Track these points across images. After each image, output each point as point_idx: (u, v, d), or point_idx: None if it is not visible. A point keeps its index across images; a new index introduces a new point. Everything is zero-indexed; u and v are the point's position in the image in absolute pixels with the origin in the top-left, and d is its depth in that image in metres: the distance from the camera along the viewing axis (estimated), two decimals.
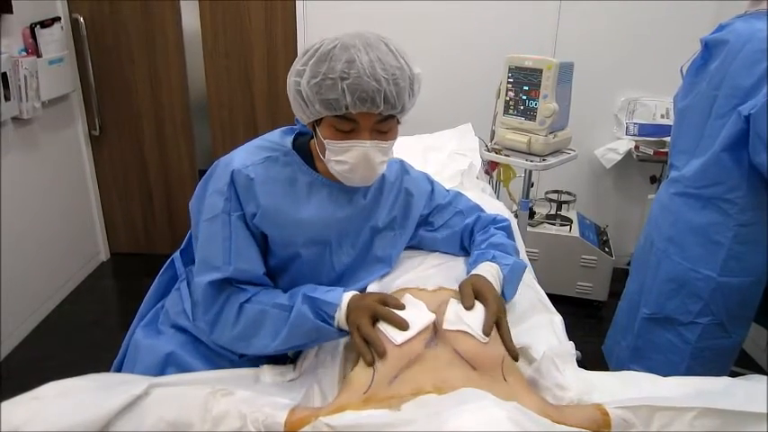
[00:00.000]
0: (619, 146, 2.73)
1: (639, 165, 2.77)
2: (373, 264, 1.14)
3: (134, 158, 2.99)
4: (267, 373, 0.96)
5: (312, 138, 1.05)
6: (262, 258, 1.02)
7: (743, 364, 2.02)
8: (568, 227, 2.61)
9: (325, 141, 0.96)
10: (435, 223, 1.23)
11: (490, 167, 2.26)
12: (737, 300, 1.47)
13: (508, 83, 2.02)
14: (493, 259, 1.07)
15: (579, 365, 0.96)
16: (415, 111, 1.01)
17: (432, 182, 1.25)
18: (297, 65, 0.95)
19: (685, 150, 1.52)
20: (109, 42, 2.78)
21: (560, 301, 2.15)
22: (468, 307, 0.91)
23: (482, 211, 1.26)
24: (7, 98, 2.19)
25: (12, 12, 2.20)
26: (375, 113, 0.92)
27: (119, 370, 1.11)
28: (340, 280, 1.10)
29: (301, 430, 0.74)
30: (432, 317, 0.89)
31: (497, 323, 0.91)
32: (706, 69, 1.44)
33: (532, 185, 2.28)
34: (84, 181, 2.92)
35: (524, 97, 1.98)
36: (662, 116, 2.68)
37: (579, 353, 1.03)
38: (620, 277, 2.64)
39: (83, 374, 0.86)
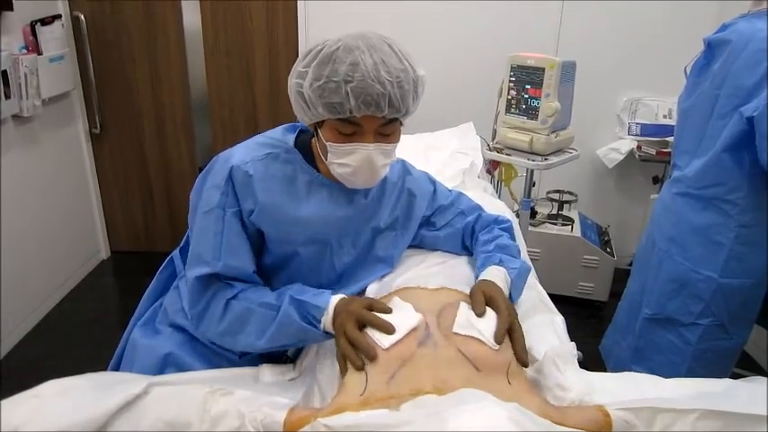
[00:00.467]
0: (621, 146, 2.72)
1: (642, 165, 2.76)
2: (374, 264, 1.14)
3: (135, 157, 2.99)
4: (266, 372, 0.96)
5: (314, 136, 1.04)
6: (254, 257, 1.01)
7: (744, 366, 2.01)
8: (570, 227, 2.61)
9: (327, 144, 0.95)
10: (437, 224, 1.22)
11: (492, 167, 2.26)
12: (739, 301, 1.47)
13: (510, 82, 2.01)
14: (500, 263, 1.06)
15: (580, 366, 0.95)
16: (417, 109, 1.01)
17: (434, 182, 1.24)
18: (298, 66, 0.94)
19: (687, 150, 1.52)
20: (110, 40, 2.77)
21: (561, 301, 2.15)
22: (480, 314, 0.90)
23: (483, 210, 1.25)
24: (7, 96, 2.19)
25: (12, 9, 2.19)
26: (379, 117, 0.92)
27: (116, 369, 1.10)
28: (340, 280, 1.10)
29: (300, 430, 0.73)
30: (419, 317, 0.88)
31: (511, 329, 0.90)
32: (709, 69, 1.44)
33: (534, 185, 2.27)
34: (84, 179, 2.92)
35: (526, 96, 1.98)
36: (664, 116, 2.67)
37: (581, 353, 1.03)
38: (621, 278, 2.63)
39: (83, 373, 0.86)
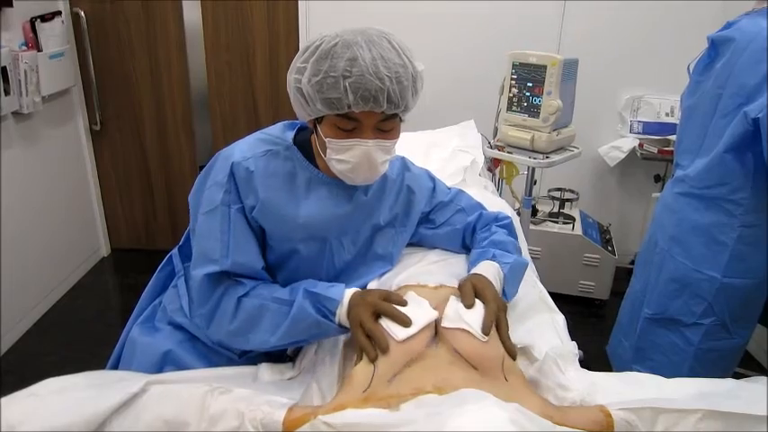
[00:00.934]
0: (623, 144, 2.71)
1: (643, 163, 2.75)
2: (374, 261, 1.13)
3: (135, 154, 2.98)
4: (265, 371, 0.95)
5: (313, 133, 1.04)
6: (260, 253, 1.00)
7: (746, 366, 2.01)
8: (571, 225, 2.60)
9: (326, 140, 0.95)
10: (436, 221, 1.22)
11: (493, 164, 2.25)
12: (741, 301, 1.46)
13: (512, 79, 2.00)
14: (493, 258, 1.06)
15: (581, 365, 0.95)
16: (418, 107, 1.00)
17: (433, 179, 1.24)
18: (297, 62, 0.93)
19: (690, 149, 1.51)
20: (110, 37, 2.77)
21: (562, 300, 2.14)
22: (468, 305, 0.90)
23: (483, 209, 1.25)
24: (7, 92, 2.18)
25: (12, 5, 2.19)
26: (378, 112, 0.91)
27: (115, 367, 1.10)
28: (340, 277, 1.09)
29: (300, 429, 0.73)
30: (435, 314, 0.88)
31: (497, 322, 0.90)
32: (712, 67, 1.43)
33: (535, 183, 2.26)
34: (84, 176, 2.91)
35: (528, 94, 1.97)
36: (667, 114, 2.66)
37: (582, 352, 1.02)
38: (622, 276, 2.63)
39: (83, 370, 0.86)
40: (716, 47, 1.42)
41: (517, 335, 0.95)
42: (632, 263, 1.96)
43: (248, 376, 0.95)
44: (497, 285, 1.00)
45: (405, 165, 1.18)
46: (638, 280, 1.73)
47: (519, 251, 1.16)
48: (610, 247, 2.62)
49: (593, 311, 2.65)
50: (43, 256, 2.54)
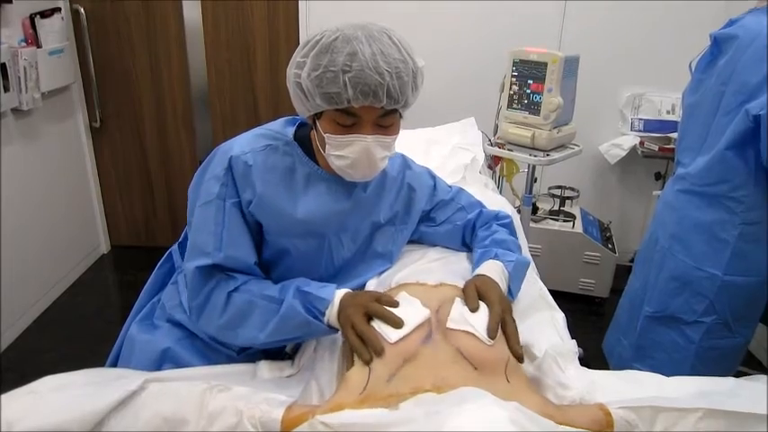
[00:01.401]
0: (623, 141, 2.71)
1: (644, 161, 2.75)
2: (373, 259, 1.13)
3: (135, 150, 2.98)
4: (264, 368, 0.95)
5: (313, 129, 1.03)
6: (254, 248, 1.00)
7: (747, 365, 2.00)
8: (571, 223, 2.60)
9: (325, 135, 0.94)
10: (437, 219, 1.21)
11: (493, 162, 2.24)
12: (743, 299, 1.46)
13: (512, 76, 2.00)
14: (496, 257, 1.06)
15: (581, 363, 0.94)
16: (418, 104, 1.00)
17: (434, 177, 1.23)
18: (297, 56, 0.93)
19: (692, 147, 1.50)
20: (110, 34, 2.76)
21: (562, 298, 2.14)
22: (473, 309, 0.90)
23: (483, 207, 1.25)
24: (7, 89, 2.18)
25: (11, 1, 2.18)
26: (377, 108, 0.90)
27: (114, 364, 1.10)
28: (339, 274, 1.09)
29: (298, 428, 0.73)
30: (426, 313, 0.88)
31: (503, 324, 0.89)
32: (715, 65, 1.42)
33: (536, 181, 2.26)
34: (84, 173, 2.91)
35: (528, 91, 1.96)
36: (668, 112, 2.65)
37: (581, 350, 1.02)
38: (623, 274, 2.62)
39: (83, 367, 0.86)
40: (719, 44, 1.42)
41: None
42: (632, 261, 1.95)
43: (247, 374, 0.95)
44: (503, 284, 0.99)
45: (405, 163, 1.18)
46: (638, 278, 1.73)
47: (520, 250, 1.16)
48: (610, 245, 2.61)
49: (594, 309, 2.65)
50: (43, 253, 2.54)
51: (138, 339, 1.06)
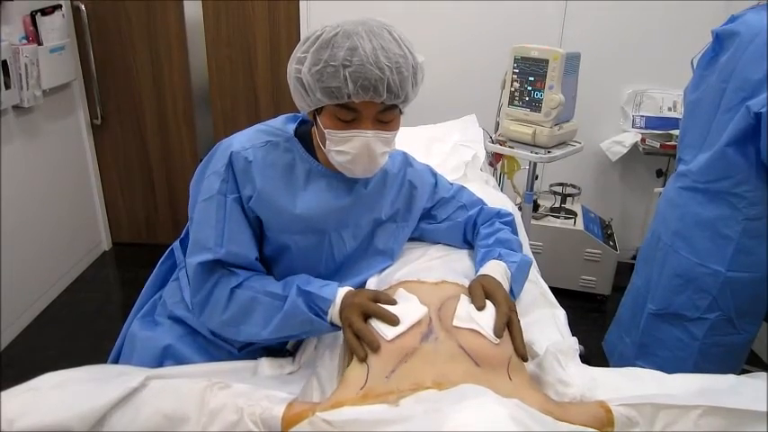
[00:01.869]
0: (625, 138, 2.70)
1: (645, 158, 2.74)
2: (374, 256, 1.13)
3: (136, 148, 2.98)
4: (265, 365, 0.95)
5: (313, 125, 1.03)
6: (256, 244, 1.00)
7: (748, 362, 2.00)
8: (573, 220, 2.59)
9: (325, 131, 0.94)
10: (438, 216, 1.21)
11: (494, 159, 2.24)
12: (746, 295, 1.45)
13: (513, 73, 1.99)
14: (499, 257, 1.06)
15: (582, 360, 0.94)
16: (419, 101, 0.99)
17: (435, 175, 1.23)
18: (298, 52, 0.93)
19: (693, 144, 1.50)
20: (111, 31, 2.75)
21: (563, 295, 2.14)
22: (480, 308, 0.90)
23: (485, 204, 1.24)
24: (8, 86, 2.18)
25: None
26: (377, 103, 0.91)
27: (116, 361, 1.10)
28: (339, 271, 1.09)
29: (299, 425, 0.73)
30: (424, 310, 0.88)
31: (509, 323, 0.89)
32: (716, 62, 1.41)
33: (537, 178, 2.26)
34: (85, 170, 2.91)
35: (530, 88, 1.96)
36: (669, 109, 2.65)
37: (582, 347, 1.02)
38: (624, 271, 2.62)
39: (84, 364, 0.86)
40: (720, 41, 1.41)
41: None
42: (634, 258, 1.95)
43: (248, 370, 0.95)
44: (506, 285, 1.00)
45: (407, 160, 1.18)
46: (640, 276, 1.72)
47: (521, 249, 1.16)
48: (611, 242, 2.61)
49: (595, 307, 2.65)
50: (44, 251, 2.54)
51: (140, 336, 1.06)
